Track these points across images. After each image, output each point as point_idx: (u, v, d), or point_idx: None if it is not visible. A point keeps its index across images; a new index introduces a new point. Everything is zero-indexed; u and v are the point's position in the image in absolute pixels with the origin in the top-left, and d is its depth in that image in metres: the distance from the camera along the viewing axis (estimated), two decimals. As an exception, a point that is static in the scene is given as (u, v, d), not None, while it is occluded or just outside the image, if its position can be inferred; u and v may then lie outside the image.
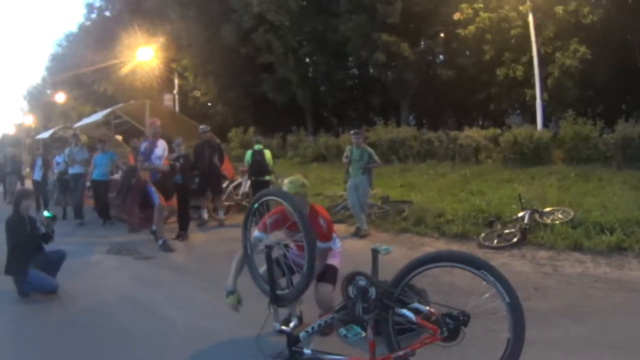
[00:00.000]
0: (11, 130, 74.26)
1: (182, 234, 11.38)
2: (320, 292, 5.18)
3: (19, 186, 20.57)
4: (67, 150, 15.00)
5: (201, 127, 13.59)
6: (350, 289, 4.05)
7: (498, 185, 14.82)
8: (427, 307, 3.83)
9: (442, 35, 27.01)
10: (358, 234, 11.01)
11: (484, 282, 3.50)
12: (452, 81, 27.44)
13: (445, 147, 20.87)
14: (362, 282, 3.98)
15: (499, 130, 20.43)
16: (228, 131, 31.33)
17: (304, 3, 29.07)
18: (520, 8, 22.21)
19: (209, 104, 36.67)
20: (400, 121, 27.77)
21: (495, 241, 9.39)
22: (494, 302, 3.46)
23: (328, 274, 5.28)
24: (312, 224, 4.74)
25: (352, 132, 12.12)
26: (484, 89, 26.54)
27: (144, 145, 10.62)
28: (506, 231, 9.61)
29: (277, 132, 30.20)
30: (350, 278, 4.07)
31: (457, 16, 23.93)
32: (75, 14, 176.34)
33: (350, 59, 32.54)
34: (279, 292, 4.67)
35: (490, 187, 14.68)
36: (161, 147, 10.57)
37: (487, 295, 3.52)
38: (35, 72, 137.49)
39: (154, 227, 10.61)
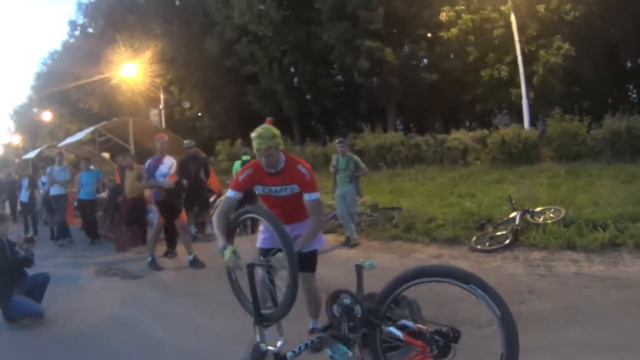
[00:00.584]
0: (-1, 151, 74.07)
1: (170, 251, 11.13)
2: (308, 281, 5.06)
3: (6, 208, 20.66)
4: (47, 170, 14.77)
5: (185, 142, 13.38)
6: (335, 308, 3.90)
7: (488, 187, 14.71)
8: (416, 324, 3.66)
9: (425, 38, 26.88)
10: (348, 243, 10.84)
11: (474, 297, 3.34)
12: (437, 84, 27.50)
13: (433, 150, 20.82)
14: (346, 301, 3.83)
15: (486, 131, 20.40)
16: (215, 144, 31.17)
17: (286, 13, 29.03)
18: (502, 8, 22.27)
19: (196, 118, 36.50)
20: (388, 127, 27.67)
21: (487, 244, 9.24)
22: (485, 316, 3.31)
23: (311, 262, 5.02)
24: (292, 174, 4.68)
25: (336, 141, 12.06)
26: (469, 91, 26.50)
27: (148, 162, 10.22)
28: (498, 233, 9.48)
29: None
30: (335, 296, 3.92)
31: (442, 17, 23.88)
32: (59, 32, 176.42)
33: (335, 66, 32.45)
34: (263, 311, 4.41)
35: (480, 189, 14.59)
36: (167, 164, 10.15)
37: (477, 309, 3.37)
38: (21, 91, 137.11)
39: (190, 257, 10.03)
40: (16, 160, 34.88)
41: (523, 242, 9.12)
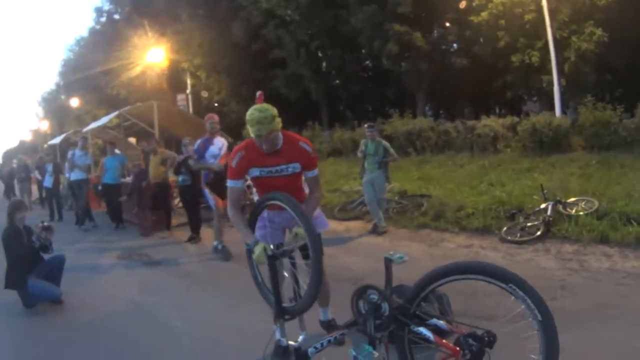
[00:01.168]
0: (28, 137, 74.87)
1: (194, 236, 11.09)
2: None
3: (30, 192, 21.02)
4: (69, 155, 14.78)
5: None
6: (361, 304, 3.69)
7: (518, 175, 14.36)
8: (448, 325, 3.43)
9: (455, 22, 26.18)
10: (375, 231, 10.65)
11: (513, 298, 3.10)
12: (467, 70, 26.91)
13: (462, 137, 20.44)
14: (373, 297, 3.60)
15: (516, 119, 19.91)
16: (243, 129, 31.04)
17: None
18: None
19: (223, 102, 36.36)
20: (417, 112, 27.26)
21: (518, 235, 8.94)
22: (524, 320, 3.08)
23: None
24: (295, 152, 4.42)
25: (366, 125, 11.75)
26: (499, 77, 25.81)
27: (198, 143, 9.77)
28: (529, 224, 9.16)
29: (292, 128, 29.62)
30: (361, 292, 3.70)
31: (462, 5, 23.48)
32: (86, 19, 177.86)
33: (363, 51, 31.99)
34: (285, 304, 4.16)
35: (510, 177, 14.25)
36: (218, 144, 9.70)
37: (515, 311, 3.14)
38: (49, 78, 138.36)
39: (215, 244, 9.63)
40: (45, 146, 35.03)
41: (555, 234, 8.80)
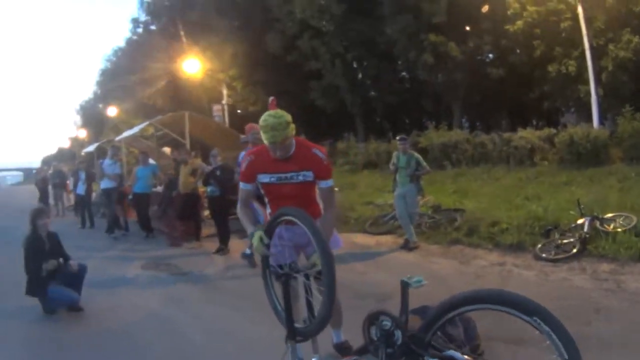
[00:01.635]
0: (66, 144, 76.07)
1: (222, 248, 11.02)
2: None
3: (64, 199, 21.85)
4: (99, 163, 15.01)
5: (242, 137, 13.20)
6: (373, 330, 3.44)
7: (555, 189, 13.95)
8: (466, 356, 3.19)
9: (490, 32, 25.55)
10: (406, 246, 10.37)
11: (537, 332, 2.83)
12: (503, 80, 26.46)
13: (499, 149, 20.00)
14: (386, 324, 3.35)
15: (554, 130, 19.33)
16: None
17: (347, 7, 28.51)
18: None
19: (259, 113, 36.30)
20: (453, 124, 26.88)
21: (553, 252, 8.61)
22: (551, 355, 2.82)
23: None
24: (307, 159, 4.26)
25: (398, 137, 11.45)
26: (536, 87, 25.24)
27: (242, 155, 8.84)
28: (565, 241, 8.82)
29: (327, 139, 29.43)
30: (374, 317, 3.45)
31: (484, 9, 23.03)
32: (123, 29, 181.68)
33: (400, 62, 31.71)
34: (297, 325, 3.94)
35: (547, 191, 13.84)
36: None
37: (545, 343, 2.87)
38: (88, 87, 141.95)
39: (247, 251, 9.36)
40: (82, 153, 35.56)
41: (591, 251, 8.44)
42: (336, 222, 4.55)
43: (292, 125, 4.14)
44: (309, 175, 4.28)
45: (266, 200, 4.58)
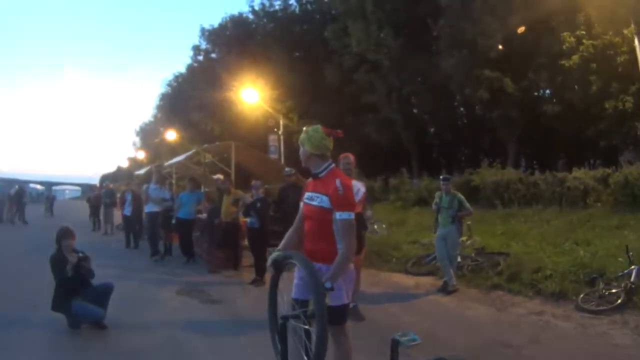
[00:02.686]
0: (125, 164, 77.77)
1: (258, 279, 11.02)
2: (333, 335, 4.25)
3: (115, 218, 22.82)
4: (143, 188, 15.33)
5: (286, 169, 13.24)
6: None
7: (606, 233, 13.20)
8: None
9: (546, 67, 24.89)
10: (445, 289, 10.06)
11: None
12: (559, 117, 25.81)
13: (552, 190, 19.36)
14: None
15: (608, 170, 18.23)
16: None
17: (404, 41, 28.44)
18: (625, 32, 20.44)
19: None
20: (508, 162, 26.29)
21: (596, 303, 8.15)
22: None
23: (336, 315, 4.20)
24: (327, 184, 4.27)
25: (441, 177, 11.36)
26: (592, 125, 24.26)
27: (354, 184, 8.24)
28: (609, 291, 8.35)
29: (380, 175, 29.07)
30: None
31: (521, 30, 22.58)
32: (184, 55, 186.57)
33: (458, 97, 31.41)
34: None
35: (598, 235, 13.13)
36: (353, 189, 8.45)
37: None
38: (147, 109, 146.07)
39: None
40: (141, 172, 36.32)
41: (637, 303, 7.93)
42: (351, 259, 4.32)
43: (312, 144, 4.33)
44: (325, 200, 4.25)
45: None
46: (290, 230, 4.59)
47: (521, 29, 23.15)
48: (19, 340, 6.98)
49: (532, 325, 7.60)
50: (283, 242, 4.51)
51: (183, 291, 10.36)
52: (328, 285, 3.83)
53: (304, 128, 4.40)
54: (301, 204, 4.54)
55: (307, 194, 4.44)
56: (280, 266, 4.27)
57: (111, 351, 6.60)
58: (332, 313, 4.00)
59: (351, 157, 8.33)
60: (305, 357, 4.01)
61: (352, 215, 4.25)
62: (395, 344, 3.54)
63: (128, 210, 17.50)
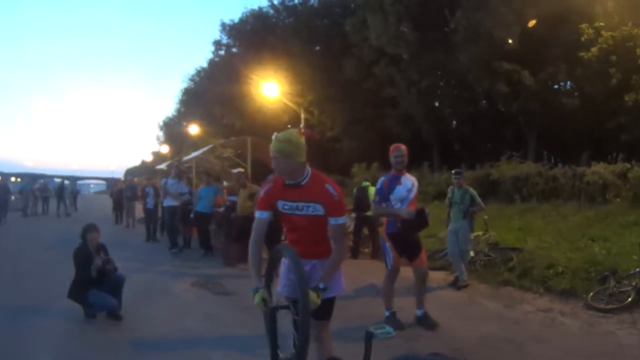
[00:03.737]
0: (149, 158, 78.29)
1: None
2: (319, 328, 4.34)
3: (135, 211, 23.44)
4: (162, 182, 15.53)
5: (302, 164, 13.22)
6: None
7: (623, 230, 12.98)
8: None
9: (564, 60, 24.58)
10: (456, 284, 10.05)
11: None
12: (578, 111, 25.55)
13: (571, 184, 19.10)
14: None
15: (628, 165, 17.85)
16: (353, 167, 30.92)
17: (420, 34, 28.26)
18: None
19: (336, 139, 36.37)
20: (528, 156, 26.01)
21: (606, 301, 8.06)
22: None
23: (326, 309, 4.29)
24: (318, 192, 4.11)
25: (453, 171, 11.27)
26: (613, 118, 23.90)
27: (381, 182, 7.43)
28: (620, 289, 8.24)
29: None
30: None
31: (531, 24, 22.32)
32: (205, 50, 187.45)
33: (479, 90, 31.12)
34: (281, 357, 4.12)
35: (615, 231, 12.91)
36: (407, 184, 7.38)
37: None
38: (170, 104, 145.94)
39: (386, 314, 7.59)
40: (164, 167, 36.67)
41: (647, 302, 7.80)
42: (343, 259, 4.32)
43: (295, 150, 4.07)
44: (319, 209, 4.15)
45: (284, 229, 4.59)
46: (255, 249, 4.35)
47: (532, 23, 22.89)
48: (36, 329, 7.23)
49: (538, 322, 7.55)
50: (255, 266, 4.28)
51: (198, 283, 10.59)
52: (322, 286, 3.85)
53: (277, 137, 4.11)
54: (262, 214, 4.31)
55: (286, 204, 4.23)
56: (275, 261, 4.31)
57: (122, 341, 6.76)
58: (327, 305, 4.19)
59: (404, 149, 7.38)
60: (292, 348, 4.05)
61: (345, 219, 4.23)
62: (369, 336, 3.55)
63: (151, 204, 17.81)
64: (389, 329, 3.55)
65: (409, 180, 7.42)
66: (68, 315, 7.71)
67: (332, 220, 4.15)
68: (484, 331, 6.96)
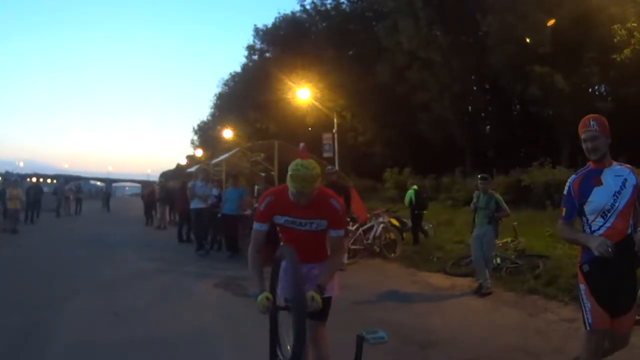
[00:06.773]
0: (183, 161, 79.06)
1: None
2: (315, 329, 4.29)
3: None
4: (190, 185, 15.77)
5: (328, 167, 13.34)
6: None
7: None
8: None
9: (597, 62, 23.89)
10: (479, 291, 9.87)
11: None
12: (612, 114, 24.96)
13: (603, 191, 18.56)
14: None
15: None
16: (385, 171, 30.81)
17: (452, 37, 28.05)
18: None
19: (368, 143, 36.24)
20: (562, 162, 25.55)
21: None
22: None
23: (323, 310, 4.17)
24: (325, 208, 4.19)
25: (479, 176, 10.99)
26: None
27: (570, 182, 4.73)
28: (647, 301, 8.09)
29: (432, 174, 28.90)
30: None
31: (551, 23, 22.00)
32: (239, 55, 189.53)
33: (512, 94, 30.68)
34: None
35: None
36: (613, 183, 4.32)
37: None
38: (205, 108, 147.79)
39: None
40: (186, 172, 37.32)
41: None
42: (338, 268, 4.45)
43: (320, 178, 4.15)
44: (323, 224, 4.25)
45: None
46: (254, 257, 4.48)
47: (551, 22, 22.50)
48: (57, 322, 7.45)
49: (559, 332, 7.31)
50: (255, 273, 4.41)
51: (220, 284, 10.73)
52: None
53: (306, 178, 4.00)
54: (261, 226, 4.38)
55: (288, 219, 4.28)
56: (279, 259, 4.37)
57: (140, 338, 6.84)
58: (323, 306, 4.08)
59: (597, 122, 4.31)
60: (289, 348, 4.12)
61: (345, 231, 4.42)
62: (360, 341, 3.48)
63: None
64: (382, 333, 3.50)
65: (618, 176, 4.25)
66: (87, 310, 7.99)
67: (333, 233, 4.26)
68: (502, 341, 6.79)
